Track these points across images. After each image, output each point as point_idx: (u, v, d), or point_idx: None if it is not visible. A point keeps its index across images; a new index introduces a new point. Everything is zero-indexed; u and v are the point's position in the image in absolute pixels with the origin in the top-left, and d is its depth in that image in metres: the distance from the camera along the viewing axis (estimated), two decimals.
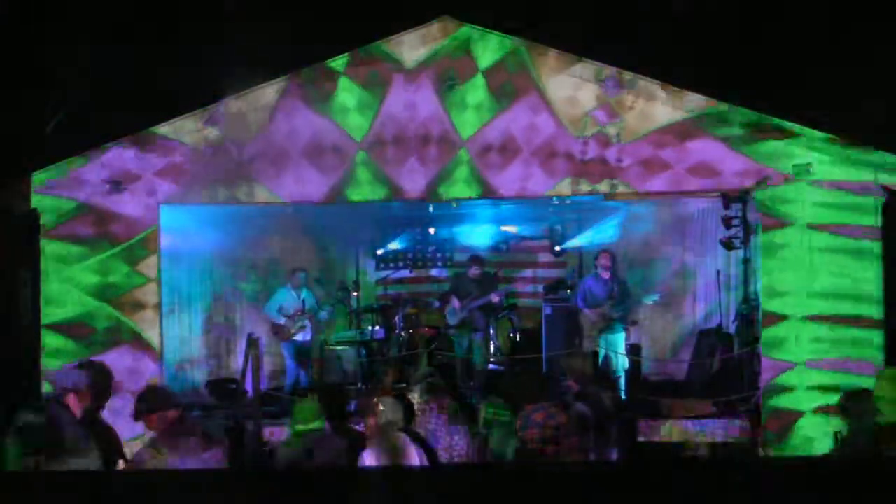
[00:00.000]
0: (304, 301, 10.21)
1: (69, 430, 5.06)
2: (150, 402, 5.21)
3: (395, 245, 12.08)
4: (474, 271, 10.32)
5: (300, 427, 5.46)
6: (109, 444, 5.50)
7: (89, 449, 4.97)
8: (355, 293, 11.34)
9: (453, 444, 6.19)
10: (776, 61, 10.15)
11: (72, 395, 5.27)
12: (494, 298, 10.24)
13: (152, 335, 8.24)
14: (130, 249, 8.23)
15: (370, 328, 11.00)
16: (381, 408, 5.46)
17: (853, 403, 5.58)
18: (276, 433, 7.88)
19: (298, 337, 10.19)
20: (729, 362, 9.01)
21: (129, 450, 5.70)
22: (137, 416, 5.26)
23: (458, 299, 10.22)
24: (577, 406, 6.39)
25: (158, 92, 9.53)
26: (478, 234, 11.95)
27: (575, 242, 11.74)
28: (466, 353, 10.27)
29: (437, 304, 11.12)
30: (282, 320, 10.11)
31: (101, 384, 5.64)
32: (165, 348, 8.54)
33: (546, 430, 5.30)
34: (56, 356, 8.05)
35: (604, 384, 7.40)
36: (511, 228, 11.91)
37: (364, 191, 8.30)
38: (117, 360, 7.76)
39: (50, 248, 8.19)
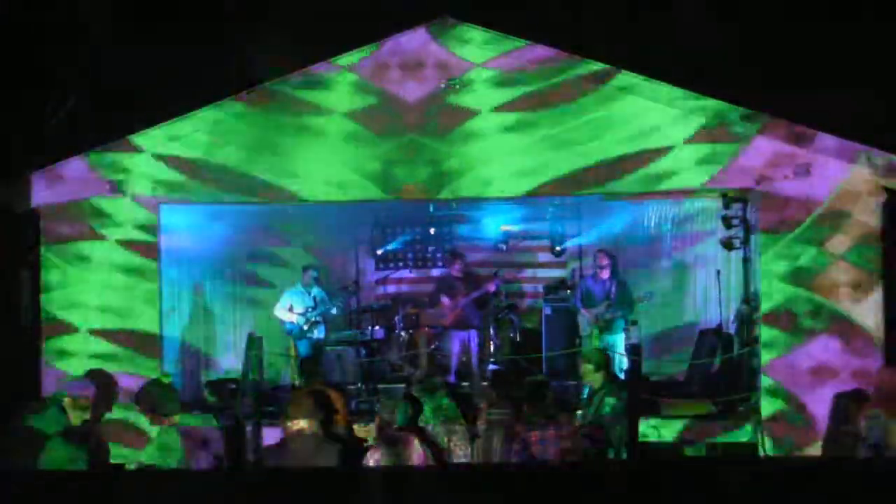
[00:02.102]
0: (315, 298, 10.24)
1: (58, 434, 5.09)
2: (150, 402, 5.21)
3: (395, 245, 12.07)
4: (456, 268, 10.22)
5: (289, 424, 5.41)
6: (97, 454, 5.53)
7: (76, 455, 5.00)
8: (355, 293, 11.34)
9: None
10: (775, 60, 10.15)
11: (69, 400, 5.29)
12: (491, 288, 10.13)
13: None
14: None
15: (370, 328, 10.99)
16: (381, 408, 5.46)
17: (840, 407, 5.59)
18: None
19: (314, 334, 10.21)
20: (729, 362, 9.00)
21: None
22: (139, 403, 5.25)
23: (449, 298, 10.12)
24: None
25: (158, 91, 9.51)
26: (477, 234, 11.94)
27: (575, 242, 11.73)
28: (462, 353, 10.15)
29: (428, 310, 10.95)
30: (293, 318, 10.14)
31: (102, 395, 5.65)
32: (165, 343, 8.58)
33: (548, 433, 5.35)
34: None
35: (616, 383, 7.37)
36: (511, 228, 11.89)
37: None
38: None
39: None
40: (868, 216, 7.96)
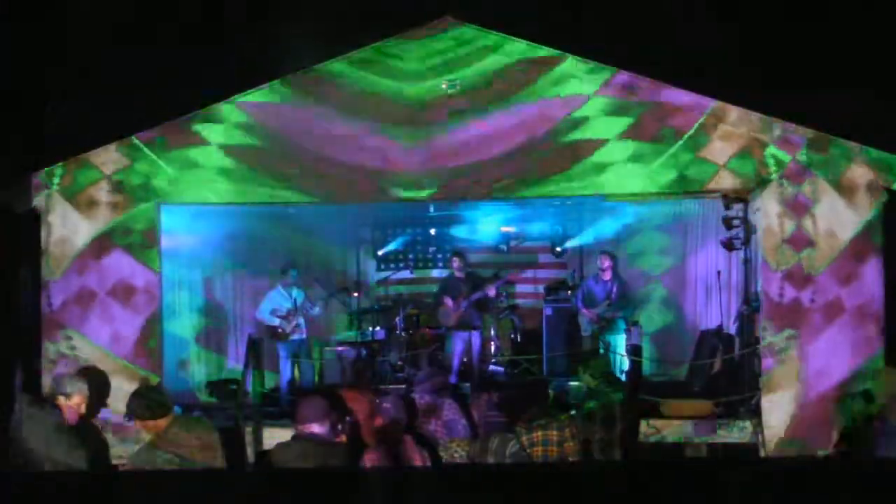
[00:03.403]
0: (295, 300, 10.08)
1: (54, 432, 5.08)
2: (143, 406, 5.16)
3: (395, 246, 12.07)
4: (457, 267, 10.22)
5: (301, 427, 5.41)
6: (97, 450, 5.52)
7: (75, 453, 4.99)
8: (356, 294, 11.32)
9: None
10: (775, 60, 10.15)
11: (63, 398, 5.28)
12: (490, 292, 10.15)
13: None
14: None
15: (371, 329, 10.97)
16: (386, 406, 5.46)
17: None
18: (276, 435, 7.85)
19: (294, 336, 10.08)
20: (730, 363, 8.99)
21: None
22: (130, 414, 5.19)
23: (452, 299, 10.12)
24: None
25: (158, 91, 9.52)
26: (478, 235, 11.94)
27: (575, 243, 11.74)
28: (464, 354, 10.15)
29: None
30: (276, 322, 9.97)
31: (96, 391, 5.64)
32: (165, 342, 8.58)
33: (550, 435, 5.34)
34: None
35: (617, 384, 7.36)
36: (511, 229, 11.90)
37: None
38: None
39: None
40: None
